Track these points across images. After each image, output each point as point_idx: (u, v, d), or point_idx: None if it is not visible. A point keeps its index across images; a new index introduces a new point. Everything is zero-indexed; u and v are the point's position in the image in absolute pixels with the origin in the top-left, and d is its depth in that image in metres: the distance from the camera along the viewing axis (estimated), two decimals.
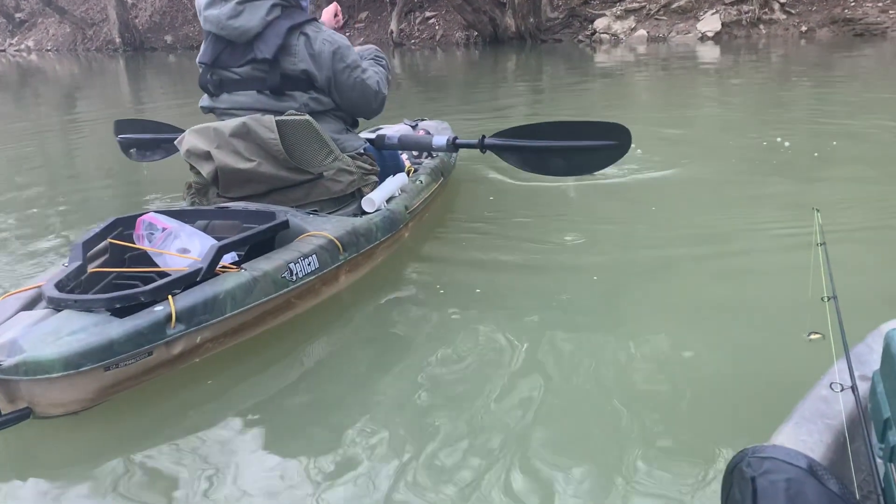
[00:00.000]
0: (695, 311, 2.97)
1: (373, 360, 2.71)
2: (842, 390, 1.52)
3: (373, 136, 3.85)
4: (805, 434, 1.44)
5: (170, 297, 2.37)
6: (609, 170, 3.86)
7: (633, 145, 3.49)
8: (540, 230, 3.92)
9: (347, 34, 20.44)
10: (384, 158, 3.81)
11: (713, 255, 3.51)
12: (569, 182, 4.60)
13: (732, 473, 1.34)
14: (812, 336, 2.30)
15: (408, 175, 3.92)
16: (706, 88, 9.50)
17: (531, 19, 16.68)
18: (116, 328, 2.22)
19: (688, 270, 3.36)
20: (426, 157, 4.42)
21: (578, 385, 2.46)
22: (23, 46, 28.92)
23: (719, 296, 3.09)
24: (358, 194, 3.41)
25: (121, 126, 4.38)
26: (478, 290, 3.21)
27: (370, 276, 3.31)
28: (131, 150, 4.33)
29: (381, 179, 3.62)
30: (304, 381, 2.57)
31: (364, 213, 3.37)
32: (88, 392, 2.23)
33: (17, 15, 30.21)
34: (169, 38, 25.48)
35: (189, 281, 2.45)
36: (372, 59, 3.70)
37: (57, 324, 2.22)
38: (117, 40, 25.40)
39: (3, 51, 29.14)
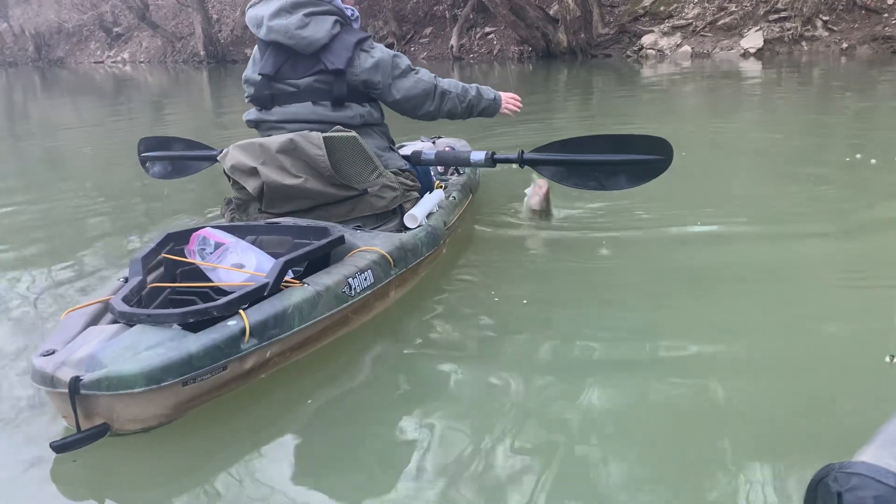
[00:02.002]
0: (773, 329, 2.80)
1: (425, 376, 2.61)
2: None
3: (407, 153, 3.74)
4: (892, 453, 1.33)
5: (242, 311, 2.29)
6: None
7: (680, 153, 3.33)
8: (578, 239, 3.81)
9: (412, 49, 20.51)
10: (418, 175, 3.68)
11: (788, 268, 3.35)
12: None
13: (817, 488, 1.27)
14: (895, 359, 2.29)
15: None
16: (766, 102, 9.21)
17: (582, 35, 16.44)
18: (194, 343, 2.14)
19: (761, 287, 3.17)
20: (451, 174, 4.33)
21: (650, 401, 2.36)
22: (119, 58, 29.45)
23: (796, 314, 2.91)
24: (399, 210, 3.34)
25: (145, 144, 4.27)
26: (525, 301, 3.12)
27: (416, 292, 3.22)
28: (153, 168, 4.24)
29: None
30: (363, 396, 2.47)
31: (405, 228, 3.27)
32: (166, 407, 2.15)
33: (115, 29, 30.78)
34: (248, 52, 25.64)
35: (257, 296, 2.36)
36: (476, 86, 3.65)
37: (133, 338, 2.13)
38: (202, 53, 25.73)
39: (102, 62, 29.66)
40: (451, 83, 3.50)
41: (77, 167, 6.84)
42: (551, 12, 17.29)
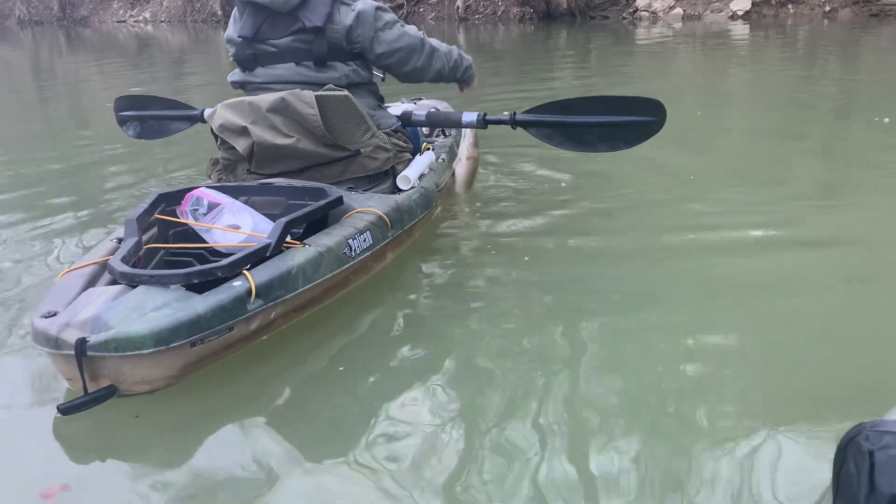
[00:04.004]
0: (802, 288, 2.74)
1: (422, 334, 2.55)
2: None
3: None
4: None
5: (247, 272, 2.18)
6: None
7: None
8: (578, 196, 3.77)
9: (421, 9, 20.43)
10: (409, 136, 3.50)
11: (813, 229, 3.29)
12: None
13: (847, 447, 1.17)
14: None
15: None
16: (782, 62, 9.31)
17: None
18: (201, 303, 2.05)
19: (786, 249, 3.10)
20: (436, 135, 4.10)
21: (667, 367, 2.27)
22: (140, 18, 29.28)
23: (822, 275, 2.85)
24: (391, 172, 3.17)
25: (121, 103, 3.96)
26: (526, 258, 3.06)
27: (410, 251, 3.14)
28: (130, 128, 3.95)
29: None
30: (362, 355, 2.41)
31: (398, 190, 3.14)
32: (174, 368, 2.07)
33: None
34: None
35: (259, 256, 2.25)
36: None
37: (138, 299, 2.03)
38: (219, 13, 25.57)
39: (124, 21, 29.54)
40: (437, 42, 3.31)
41: (93, 124, 6.76)
42: None
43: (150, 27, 26.69)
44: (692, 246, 3.18)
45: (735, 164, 4.30)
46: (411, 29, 3.20)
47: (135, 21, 29.15)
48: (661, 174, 4.06)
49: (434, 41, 3.30)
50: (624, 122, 3.15)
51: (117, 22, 29.66)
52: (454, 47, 3.44)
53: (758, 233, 3.27)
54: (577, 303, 2.71)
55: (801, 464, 1.80)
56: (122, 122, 3.97)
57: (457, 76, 3.46)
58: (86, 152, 5.61)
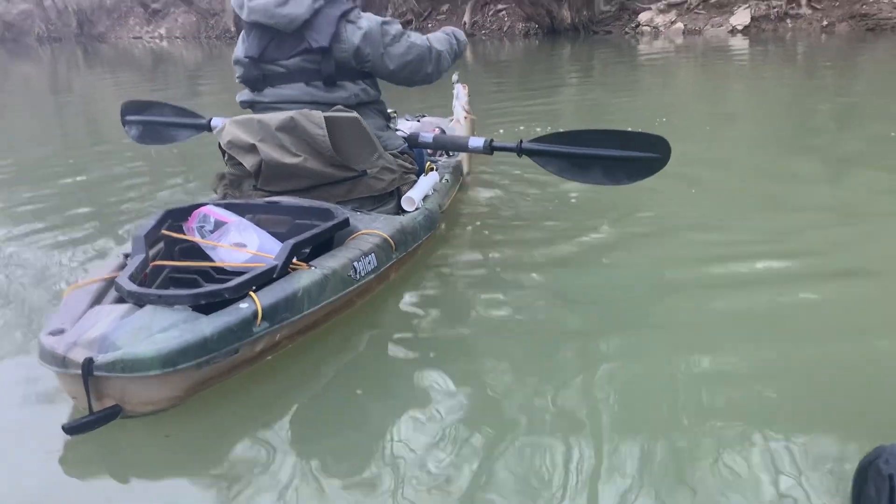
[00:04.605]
0: (815, 312, 2.69)
1: (424, 353, 2.52)
2: None
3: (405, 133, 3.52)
4: None
5: (254, 294, 2.15)
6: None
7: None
8: (573, 219, 3.69)
9: (430, 25, 20.45)
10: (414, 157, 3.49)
11: (825, 251, 3.21)
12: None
13: (867, 470, 1.21)
14: None
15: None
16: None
17: (585, 12, 16.53)
18: (208, 325, 2.02)
19: (799, 273, 3.01)
20: (440, 155, 4.05)
21: (681, 385, 2.23)
22: (156, 34, 29.45)
23: (836, 298, 2.78)
24: (396, 193, 3.15)
25: (129, 107, 3.93)
26: (533, 276, 3.03)
27: (413, 271, 3.10)
28: (133, 129, 3.92)
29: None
30: (364, 374, 2.39)
31: (402, 211, 3.11)
32: (179, 390, 2.05)
33: (153, 5, 30.67)
34: None
35: (266, 278, 2.22)
36: (442, 30, 3.44)
37: (145, 320, 2.00)
38: (232, 29, 25.67)
39: (140, 38, 29.68)
40: (437, 38, 3.29)
41: (107, 137, 6.67)
42: None
43: (165, 43, 26.84)
44: (702, 269, 3.11)
45: (742, 182, 4.25)
46: (416, 37, 3.17)
47: (150, 37, 29.30)
48: (667, 193, 3.99)
49: (436, 40, 3.27)
50: (628, 158, 3.10)
51: (133, 38, 29.83)
52: (447, 34, 3.41)
53: (768, 256, 3.19)
54: (585, 324, 2.68)
55: (820, 486, 1.77)
56: (127, 125, 3.94)
57: (455, 61, 3.44)
58: (99, 166, 5.65)
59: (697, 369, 2.32)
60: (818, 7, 14.30)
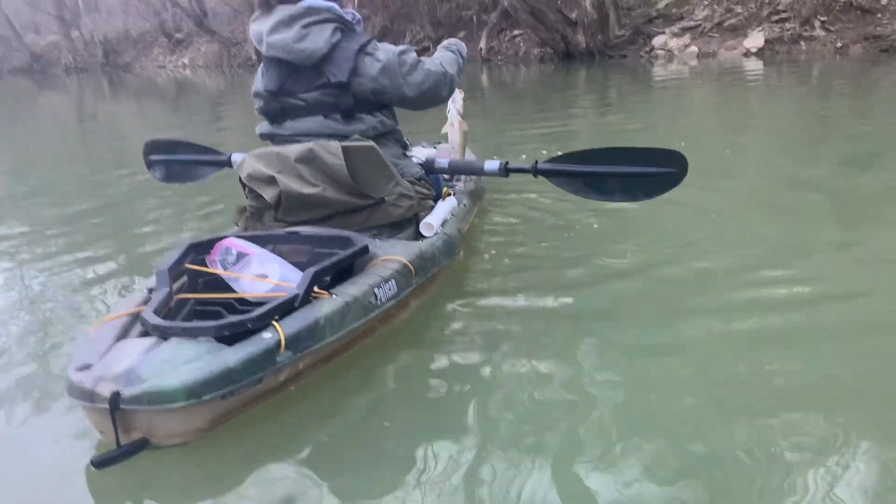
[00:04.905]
0: (839, 339, 2.65)
1: (446, 382, 2.51)
2: None
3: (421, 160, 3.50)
4: None
5: (276, 323, 2.16)
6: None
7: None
8: (598, 244, 3.64)
9: (463, 64, 20.30)
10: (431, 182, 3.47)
11: (849, 279, 3.15)
12: None
13: None
14: None
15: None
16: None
17: (599, 37, 16.55)
18: (232, 356, 2.03)
19: (819, 301, 2.97)
20: (456, 181, 4.05)
21: (708, 415, 2.22)
22: (179, 63, 29.77)
23: (855, 326, 2.73)
24: (414, 219, 3.14)
25: (150, 147, 3.97)
26: (553, 304, 2.99)
27: (433, 298, 3.08)
28: (157, 170, 3.97)
29: None
30: (388, 403, 2.39)
31: (420, 236, 3.10)
32: (204, 421, 2.06)
33: (176, 35, 31.06)
34: None
35: (288, 307, 2.23)
36: (443, 46, 3.44)
37: (170, 352, 2.02)
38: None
39: (164, 67, 30.00)
40: (447, 60, 3.29)
41: (131, 166, 6.61)
42: (571, 16, 17.27)
43: (188, 72, 27.08)
44: (724, 298, 3.05)
45: (762, 208, 4.17)
46: (430, 63, 3.17)
47: (174, 66, 29.62)
48: (687, 219, 3.96)
49: (447, 62, 3.27)
50: (644, 173, 3.09)
51: (158, 67, 30.17)
52: (453, 52, 3.41)
53: (790, 283, 3.13)
54: (607, 355, 2.62)
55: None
56: (150, 165, 3.98)
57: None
58: (122, 198, 5.69)
59: (724, 402, 2.29)
60: (832, 29, 14.25)
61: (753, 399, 2.28)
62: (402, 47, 3.10)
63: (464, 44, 3.54)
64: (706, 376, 2.43)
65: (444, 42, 3.51)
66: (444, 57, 3.30)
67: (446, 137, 4.01)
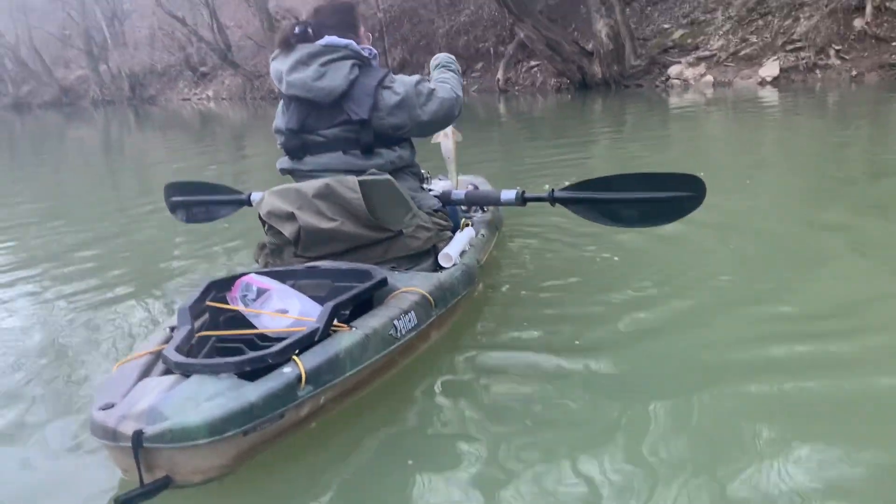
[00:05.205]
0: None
1: (470, 415, 2.44)
2: None
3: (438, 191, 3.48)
4: None
5: (297, 358, 2.13)
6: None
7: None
8: (618, 276, 3.54)
9: (464, 83, 20.54)
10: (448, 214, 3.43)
11: (866, 315, 3.00)
12: None
13: None
14: None
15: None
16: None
17: (615, 67, 16.60)
18: (253, 392, 2.00)
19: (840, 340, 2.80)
20: (474, 210, 3.99)
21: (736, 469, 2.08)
22: (203, 95, 30.19)
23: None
24: (433, 250, 3.09)
25: (171, 190, 4.00)
26: (577, 342, 2.89)
27: (454, 330, 3.02)
28: (180, 213, 3.97)
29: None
30: (412, 439, 2.34)
31: (439, 268, 3.06)
32: (228, 458, 2.01)
33: (201, 69, 31.51)
34: None
35: (308, 341, 2.20)
36: (442, 66, 3.40)
37: (192, 389, 1.98)
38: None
39: (188, 99, 30.38)
40: (453, 82, 3.27)
41: (156, 198, 6.45)
42: (588, 47, 17.33)
43: (212, 104, 27.42)
44: (742, 337, 2.89)
45: (781, 239, 4.07)
46: (441, 90, 3.15)
47: (198, 99, 30.01)
48: (706, 250, 3.88)
49: (455, 84, 3.26)
50: (662, 199, 3.06)
51: (182, 100, 30.57)
52: (452, 70, 3.37)
53: (810, 323, 2.98)
54: (628, 400, 2.50)
55: None
56: (173, 208, 4.00)
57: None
58: (147, 234, 5.68)
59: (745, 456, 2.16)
60: (846, 58, 14.20)
61: (779, 443, 2.17)
62: (416, 77, 3.11)
63: (452, 56, 3.49)
64: (729, 421, 2.31)
65: (439, 59, 3.47)
66: (449, 79, 3.29)
67: (439, 147, 3.98)
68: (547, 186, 3.29)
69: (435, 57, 3.50)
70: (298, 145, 3.07)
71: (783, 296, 3.26)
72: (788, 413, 2.33)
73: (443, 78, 3.29)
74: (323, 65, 2.92)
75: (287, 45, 3.02)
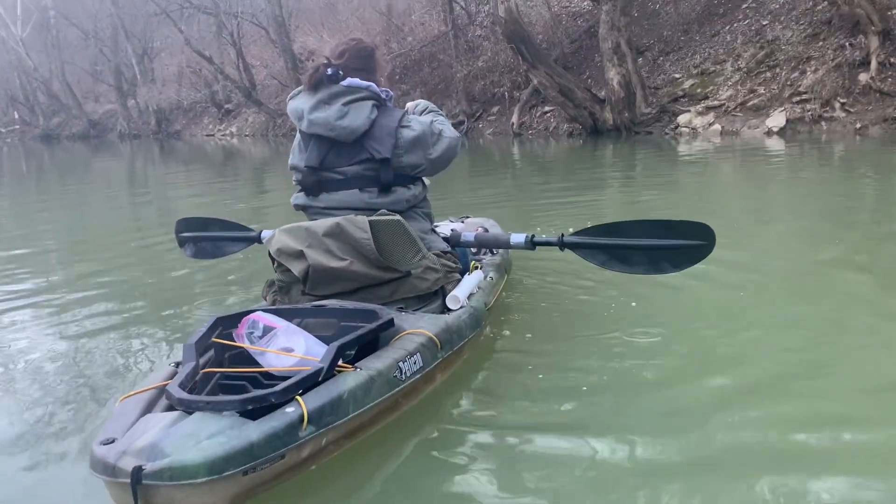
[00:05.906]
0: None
1: (473, 459, 2.39)
2: None
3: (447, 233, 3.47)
4: None
5: (299, 398, 2.08)
6: None
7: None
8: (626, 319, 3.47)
9: (480, 125, 20.74)
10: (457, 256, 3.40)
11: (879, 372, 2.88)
12: None
13: None
14: None
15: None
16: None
17: (626, 114, 16.58)
18: (254, 431, 1.95)
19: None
20: (484, 253, 3.92)
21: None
22: (227, 132, 30.37)
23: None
24: (441, 291, 3.06)
25: (183, 225, 3.98)
26: (584, 388, 2.81)
27: (459, 372, 2.95)
28: (189, 248, 3.96)
29: None
30: (413, 484, 2.29)
31: (447, 309, 3.01)
32: (226, 498, 1.95)
33: (226, 106, 31.70)
34: None
35: (312, 381, 2.15)
36: (431, 111, 3.38)
37: (193, 427, 1.94)
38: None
39: (212, 135, 30.59)
40: (448, 125, 3.27)
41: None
42: (600, 94, 17.35)
43: (235, 140, 27.61)
44: (753, 391, 2.79)
45: (790, 287, 4.00)
46: (447, 130, 3.20)
47: (222, 135, 30.23)
48: (716, 297, 3.80)
49: (447, 125, 3.25)
50: (671, 246, 3.03)
51: (206, 135, 30.81)
52: (441, 115, 3.36)
53: (825, 378, 2.89)
54: (636, 442, 2.44)
55: None
56: (182, 242, 3.99)
57: None
58: (163, 267, 5.66)
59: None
60: (851, 110, 14.15)
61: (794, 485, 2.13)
62: (430, 118, 3.16)
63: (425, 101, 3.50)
64: (743, 471, 2.23)
65: (422, 105, 3.45)
66: (446, 122, 3.30)
67: (446, 189, 3.93)
68: (556, 231, 3.23)
69: (415, 102, 3.49)
70: (316, 182, 3.08)
71: (798, 351, 3.14)
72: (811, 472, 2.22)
73: (440, 121, 3.29)
74: (345, 104, 2.96)
75: (317, 84, 3.04)
